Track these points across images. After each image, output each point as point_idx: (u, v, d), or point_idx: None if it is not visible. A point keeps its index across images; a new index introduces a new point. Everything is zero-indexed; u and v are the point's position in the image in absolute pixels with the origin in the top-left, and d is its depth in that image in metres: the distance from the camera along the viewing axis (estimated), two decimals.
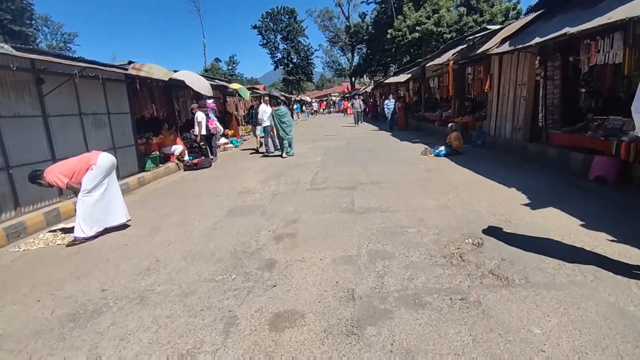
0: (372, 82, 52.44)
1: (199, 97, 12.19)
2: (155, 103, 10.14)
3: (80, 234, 4.30)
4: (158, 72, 8.47)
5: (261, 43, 61.64)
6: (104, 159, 4.56)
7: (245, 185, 6.86)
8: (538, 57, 7.78)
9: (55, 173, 4.37)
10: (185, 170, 9.91)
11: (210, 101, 11.30)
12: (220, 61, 67.37)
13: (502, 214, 4.18)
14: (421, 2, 28.70)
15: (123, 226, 4.70)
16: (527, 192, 4.96)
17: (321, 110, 49.53)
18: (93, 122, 7.18)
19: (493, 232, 3.65)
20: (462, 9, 23.53)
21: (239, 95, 17.40)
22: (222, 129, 11.88)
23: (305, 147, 12.27)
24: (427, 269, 2.99)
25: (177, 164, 10.26)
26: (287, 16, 60.47)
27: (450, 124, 8.78)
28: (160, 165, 9.62)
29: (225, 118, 16.57)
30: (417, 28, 24.74)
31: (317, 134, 17.13)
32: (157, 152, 9.50)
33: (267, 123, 10.75)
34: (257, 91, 23.07)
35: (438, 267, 3.01)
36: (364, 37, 48.59)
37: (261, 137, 11.15)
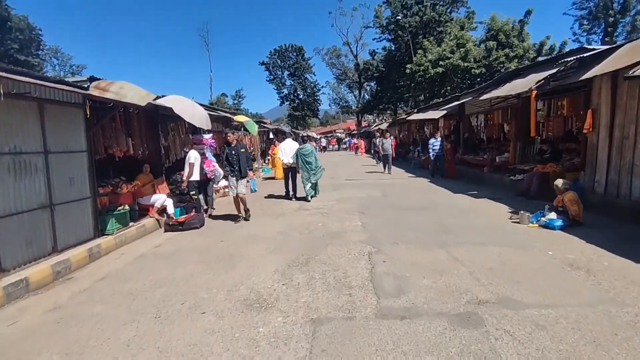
0: (381, 119, 50.96)
1: (195, 131, 9.55)
2: (132, 137, 7.46)
3: None
4: (132, 93, 5.83)
5: (268, 79, 61.25)
6: None
7: (254, 283, 3.95)
8: None
9: None
10: (166, 230, 7.04)
11: (208, 136, 8.65)
12: (227, 96, 66.77)
13: None
14: (442, 37, 27.09)
15: None
16: None
17: (330, 147, 47.53)
18: (11, 166, 4.42)
19: None
20: (492, 43, 21.59)
21: (245, 129, 14.89)
22: (221, 171, 9.13)
23: (330, 198, 9.44)
24: None
25: (157, 220, 7.43)
26: (294, 53, 60.43)
27: (560, 181, 5.96)
28: (132, 223, 6.76)
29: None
30: (440, 63, 22.75)
31: (336, 177, 14.37)
32: (127, 207, 6.68)
33: (294, 163, 9.47)
34: (265, 125, 20.67)
35: None
36: (374, 74, 47.34)
37: (242, 195, 7.92)
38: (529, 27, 23.12)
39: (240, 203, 7.31)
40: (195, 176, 7.61)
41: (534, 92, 7.54)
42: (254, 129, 12.67)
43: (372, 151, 18.77)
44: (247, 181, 7.54)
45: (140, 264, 4.95)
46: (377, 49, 47.43)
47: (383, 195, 9.44)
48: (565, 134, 8.77)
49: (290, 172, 9.76)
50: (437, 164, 12.72)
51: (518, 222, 5.87)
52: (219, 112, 11.63)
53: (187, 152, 7.95)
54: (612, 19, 27.75)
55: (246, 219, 7.28)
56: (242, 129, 15.87)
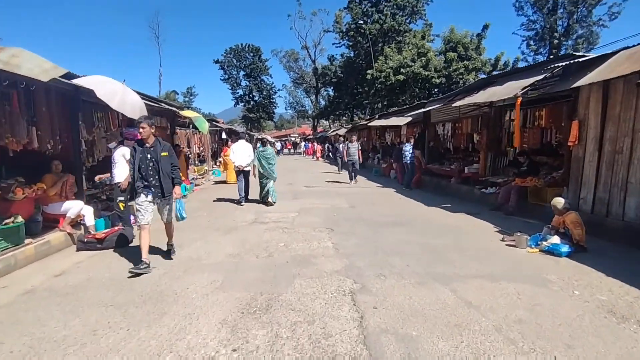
0: (337, 125, 50.56)
1: (132, 124, 7.86)
2: (39, 126, 5.72)
3: None
4: (30, 65, 4.23)
5: (223, 78, 58.75)
6: None
7: (190, 347, 2.62)
8: None
9: None
10: (79, 249, 5.39)
11: None
12: (177, 93, 63.11)
13: None
14: (401, 46, 27.02)
15: None
16: None
17: (285, 150, 46.27)
18: None
19: None
20: (452, 54, 21.69)
21: (194, 127, 13.23)
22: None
23: (290, 208, 8.21)
24: None
25: (70, 234, 5.74)
26: (251, 54, 58.63)
27: (561, 200, 5.19)
28: (30, 240, 5.06)
29: None
30: (401, 70, 22.46)
31: (294, 183, 13.17)
32: (21, 219, 4.97)
33: (247, 166, 9.07)
34: (217, 124, 18.95)
35: None
36: (332, 80, 46.94)
37: (168, 225, 6.57)
38: (484, 42, 23.68)
39: (164, 234, 4.89)
40: (120, 178, 6.03)
41: (519, 99, 6.93)
42: (205, 126, 11.11)
43: (334, 157, 17.57)
44: (172, 203, 4.76)
45: (20, 307, 3.38)
46: (336, 54, 46.85)
47: (350, 207, 8.38)
48: (542, 146, 8.32)
49: (242, 174, 9.14)
50: (410, 172, 11.89)
51: (514, 245, 5.05)
52: (161, 104, 9.94)
53: (113, 149, 6.34)
54: (557, 41, 29.47)
55: (168, 256, 4.84)
56: (191, 126, 14.18)
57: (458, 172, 11.07)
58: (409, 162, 11.76)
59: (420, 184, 12.14)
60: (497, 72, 20.34)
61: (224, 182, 14.07)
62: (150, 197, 4.51)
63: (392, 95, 25.34)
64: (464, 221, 6.85)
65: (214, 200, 9.93)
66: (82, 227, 6.00)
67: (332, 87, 48.86)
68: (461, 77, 21.75)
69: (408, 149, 11.80)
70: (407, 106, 16.65)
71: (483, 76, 23.68)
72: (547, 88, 7.22)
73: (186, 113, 10.93)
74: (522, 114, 8.60)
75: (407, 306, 3.15)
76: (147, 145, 4.52)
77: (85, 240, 5.42)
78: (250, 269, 4.24)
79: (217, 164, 18.60)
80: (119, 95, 5.65)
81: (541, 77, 6.77)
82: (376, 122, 18.79)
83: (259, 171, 8.82)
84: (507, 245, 5.15)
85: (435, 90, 23.03)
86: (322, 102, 55.58)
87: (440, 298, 3.30)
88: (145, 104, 7.84)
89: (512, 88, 7.35)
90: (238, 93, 58.95)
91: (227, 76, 58.60)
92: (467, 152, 11.88)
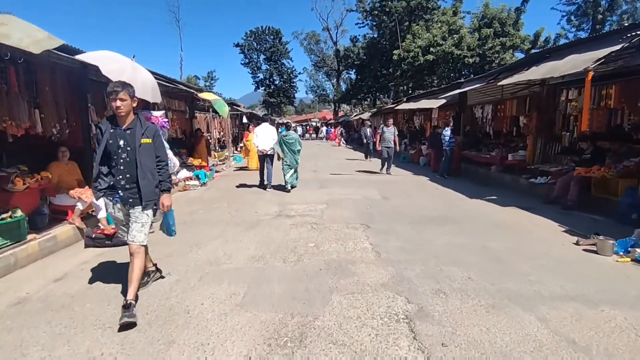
0: (360, 109, 49.12)
1: (148, 106, 7.26)
2: (42, 109, 5.15)
3: None
4: (21, 34, 3.58)
5: (243, 62, 57.94)
6: None
7: None
8: None
9: None
10: (87, 245, 4.85)
11: (158, 114, 6.39)
12: (199, 78, 62.97)
13: None
14: (429, 25, 25.39)
15: None
16: None
17: (306, 136, 45.47)
18: None
19: None
20: (487, 30, 20.06)
21: (214, 111, 12.60)
22: (177, 161, 6.95)
23: (317, 198, 7.48)
24: None
25: (79, 229, 5.21)
26: (272, 37, 57.32)
27: None
28: (35, 235, 4.53)
29: (191, 140, 11.63)
30: (431, 49, 21.04)
31: (318, 170, 12.41)
32: (21, 212, 4.43)
33: (270, 150, 8.62)
34: (238, 109, 18.30)
35: None
36: (354, 62, 45.35)
37: (136, 248, 5.90)
38: (523, 17, 21.85)
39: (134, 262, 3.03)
40: None
41: (590, 74, 5.86)
42: (225, 109, 10.44)
43: (364, 143, 16.60)
44: (150, 215, 3.15)
45: (5, 324, 2.80)
46: (359, 35, 45.20)
47: (383, 198, 7.57)
48: (608, 130, 7.20)
49: (265, 159, 8.78)
50: (449, 159, 10.84)
51: (594, 251, 4.15)
52: (177, 85, 9.26)
53: None
54: (601, 16, 27.03)
55: (128, 313, 2.71)
56: (211, 110, 13.56)
57: (500, 160, 10.02)
58: (447, 148, 10.70)
59: (458, 172, 11.13)
60: (538, 50, 18.71)
61: (245, 168, 13.47)
62: (118, 206, 3.08)
63: (419, 77, 23.96)
64: (518, 218, 5.94)
65: (236, 187, 9.35)
66: (97, 223, 5.46)
67: (354, 70, 47.32)
68: (497, 55, 20.15)
69: (448, 134, 10.69)
70: (440, 87, 15.46)
71: (520, 54, 21.98)
72: (621, 61, 6.12)
73: (205, 95, 10.27)
74: (582, 92, 7.49)
75: (488, 344, 2.36)
76: (123, 126, 2.99)
77: (94, 235, 4.86)
78: (277, 278, 3.54)
79: (238, 149, 18.03)
80: (128, 72, 4.97)
81: (618, 47, 5.65)
82: (404, 106, 17.68)
83: (281, 157, 8.47)
84: (584, 250, 4.25)
85: (469, 70, 21.50)
86: (344, 86, 54.16)
87: (529, 332, 2.50)
88: (160, 84, 7.20)
89: (578, 61, 6.24)
90: (258, 77, 58.13)
91: (247, 60, 57.78)
92: (509, 138, 10.76)
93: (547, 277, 3.44)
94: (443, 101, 13.00)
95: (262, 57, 57.85)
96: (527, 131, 9.44)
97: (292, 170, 8.50)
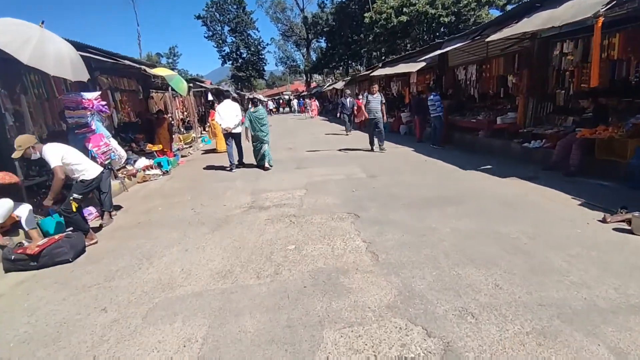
0: (332, 79, 47.50)
1: (87, 88, 5.98)
2: None
3: None
4: None
5: (206, 35, 54.49)
6: None
7: None
8: None
9: None
10: (7, 269, 3.82)
11: (91, 95, 5.17)
12: (162, 55, 59.12)
13: None
14: None
15: None
16: None
17: (280, 109, 43.86)
18: None
19: None
20: None
21: (173, 89, 11.21)
22: (123, 152, 5.81)
23: (295, 182, 6.58)
24: None
25: None
26: (235, 6, 53.87)
27: None
28: None
29: (151, 123, 10.30)
30: (404, 10, 19.83)
31: (295, 147, 11.43)
32: None
33: (236, 128, 8.30)
34: (201, 85, 16.79)
35: None
36: (324, 29, 43.39)
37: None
38: None
39: None
40: (90, 172, 4.32)
41: (601, 20, 5.07)
42: (182, 86, 9.12)
43: (340, 115, 14.91)
44: None
45: None
46: (326, 0, 43.00)
47: (369, 176, 6.74)
48: (611, 84, 6.54)
49: (232, 138, 8.37)
50: (439, 127, 9.95)
51: (629, 230, 3.49)
52: (119, 60, 7.76)
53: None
54: None
55: None
56: (170, 89, 12.14)
57: (488, 124, 9.34)
58: (439, 115, 9.82)
59: (448, 141, 10.38)
60: (514, 5, 17.88)
61: (214, 150, 12.34)
62: None
63: (393, 41, 22.80)
64: (522, 190, 5.25)
65: (203, 174, 8.37)
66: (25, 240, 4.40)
67: (324, 38, 45.37)
68: (472, 13, 19.23)
69: (435, 99, 9.79)
70: (417, 50, 14.50)
71: (495, 11, 21.14)
72: (628, 4, 5.36)
73: (157, 71, 8.92)
74: (584, 43, 6.76)
75: None
76: None
77: (13, 257, 3.82)
78: (249, 306, 2.67)
79: (206, 130, 16.70)
80: (34, 44, 3.77)
81: None
82: (380, 71, 16.63)
83: (252, 134, 8.16)
84: (615, 230, 3.58)
85: (443, 30, 20.51)
86: (314, 56, 52.22)
87: None
88: (94, 59, 5.94)
89: (583, 7, 5.42)
90: (224, 51, 55.05)
91: (211, 33, 54.38)
92: (495, 100, 10.04)
93: (591, 274, 2.74)
94: (422, 64, 12.06)
95: (226, 28, 54.58)
96: (516, 91, 8.72)
97: (266, 145, 8.19)
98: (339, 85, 28.12)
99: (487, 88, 9.98)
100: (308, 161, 8.88)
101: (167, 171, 8.90)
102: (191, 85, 15.12)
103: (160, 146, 9.81)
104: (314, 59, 50.76)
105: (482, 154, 8.57)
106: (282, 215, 4.80)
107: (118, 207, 5.93)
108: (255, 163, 8.47)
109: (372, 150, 9.79)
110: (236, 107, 8.53)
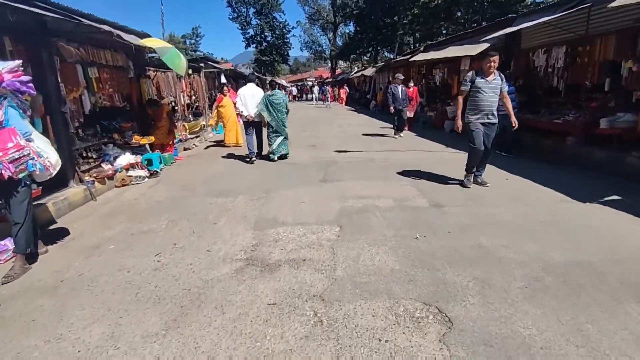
0: (359, 66, 44.59)
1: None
2: None
3: None
4: None
5: (231, 16, 52.51)
6: None
7: None
8: None
9: None
10: None
11: (5, 67, 3.16)
12: (185, 37, 57.57)
13: None
14: None
15: None
16: None
17: (304, 96, 41.41)
18: None
19: None
20: None
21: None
22: (56, 159, 3.72)
23: (319, 204, 4.35)
24: None
25: None
26: None
27: None
28: None
29: (147, 110, 8.24)
30: None
31: (319, 145, 9.23)
32: None
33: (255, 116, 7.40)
34: (214, 65, 14.68)
35: None
36: (353, 12, 40.54)
37: None
38: None
39: None
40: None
41: None
42: (178, 63, 6.99)
43: (391, 109, 10.80)
44: None
45: None
46: None
47: (433, 205, 4.47)
48: None
49: (253, 127, 7.64)
50: (504, 130, 7.10)
51: None
52: (83, 20, 5.44)
53: None
54: None
55: None
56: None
57: (583, 126, 6.85)
58: (514, 111, 6.75)
59: (520, 147, 7.88)
60: None
61: (222, 143, 10.31)
62: None
63: (432, 24, 20.06)
64: None
65: (202, 172, 6.36)
66: None
67: (353, 22, 42.48)
68: None
69: (508, 91, 6.58)
70: (473, 28, 11.94)
71: None
72: None
73: (148, 42, 6.82)
74: None
75: None
76: None
77: None
78: None
79: (207, 118, 14.61)
80: None
81: None
82: (422, 56, 14.12)
83: (267, 122, 7.43)
84: None
85: (491, 12, 17.62)
86: (341, 42, 49.52)
87: None
88: (50, 18, 3.90)
89: None
90: (249, 33, 52.99)
91: (236, 14, 52.35)
92: (590, 95, 7.48)
93: None
94: (485, 45, 9.45)
95: (251, 10, 52.35)
96: (634, 84, 6.21)
97: (282, 138, 7.61)
98: (369, 72, 25.55)
99: (583, 78, 7.43)
100: (337, 168, 6.67)
101: (156, 171, 6.91)
102: (202, 65, 13.04)
103: (152, 138, 7.79)
104: (340, 44, 48.06)
105: (578, 169, 6.17)
106: (299, 294, 2.63)
107: (63, 234, 3.99)
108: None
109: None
110: (260, 92, 7.60)
